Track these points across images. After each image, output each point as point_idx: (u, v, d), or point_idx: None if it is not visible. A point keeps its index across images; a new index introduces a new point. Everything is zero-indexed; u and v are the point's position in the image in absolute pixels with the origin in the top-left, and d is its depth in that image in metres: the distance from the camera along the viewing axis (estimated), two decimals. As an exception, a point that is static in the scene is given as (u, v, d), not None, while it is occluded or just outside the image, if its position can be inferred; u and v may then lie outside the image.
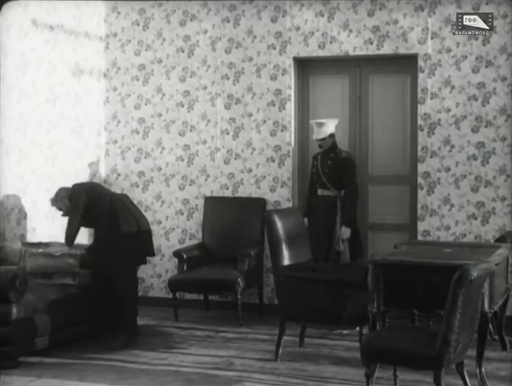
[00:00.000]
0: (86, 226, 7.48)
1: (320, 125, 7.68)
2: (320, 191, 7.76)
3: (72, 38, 8.34)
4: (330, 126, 7.69)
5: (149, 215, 8.30)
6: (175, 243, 8.59)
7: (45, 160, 7.91)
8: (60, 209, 7.25)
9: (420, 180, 7.86)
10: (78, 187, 7.36)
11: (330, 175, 7.64)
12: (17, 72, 7.53)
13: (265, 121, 8.32)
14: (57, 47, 8.10)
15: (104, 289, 7.10)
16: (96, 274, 7.14)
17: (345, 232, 7.51)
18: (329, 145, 7.69)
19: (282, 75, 8.26)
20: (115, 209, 7.15)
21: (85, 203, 7.10)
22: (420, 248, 6.60)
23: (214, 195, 8.49)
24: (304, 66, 8.38)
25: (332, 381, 6.01)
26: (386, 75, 8.16)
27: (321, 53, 8.14)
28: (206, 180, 8.52)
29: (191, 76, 8.58)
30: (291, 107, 8.26)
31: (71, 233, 7.14)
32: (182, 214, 8.63)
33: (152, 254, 7.43)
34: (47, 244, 7.12)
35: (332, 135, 7.69)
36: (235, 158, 8.43)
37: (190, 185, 8.60)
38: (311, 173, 7.89)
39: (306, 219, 7.69)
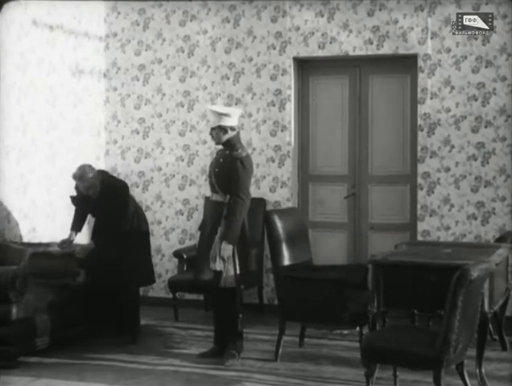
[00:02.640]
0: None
1: (214, 113, 6.51)
2: (210, 195, 6.69)
3: (72, 38, 8.34)
4: (225, 117, 6.42)
5: (149, 216, 8.30)
6: (175, 243, 8.59)
7: (45, 160, 7.91)
8: (87, 189, 6.89)
9: (420, 180, 7.86)
10: (123, 185, 7.18)
11: (219, 176, 6.45)
12: (17, 72, 7.54)
13: (265, 121, 8.32)
14: (57, 47, 8.11)
15: (108, 287, 7.10)
16: (111, 271, 6.99)
17: (225, 249, 6.31)
18: (222, 140, 6.46)
19: (282, 75, 8.26)
20: (138, 207, 7.40)
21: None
22: (420, 249, 6.60)
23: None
24: (304, 66, 8.38)
25: (332, 381, 6.01)
26: (385, 76, 8.16)
27: (321, 53, 8.14)
28: (206, 180, 8.50)
29: (191, 76, 8.58)
30: (290, 107, 8.26)
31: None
32: (182, 214, 8.64)
33: None
34: (47, 245, 7.11)
35: (223, 129, 6.42)
36: (235, 158, 8.43)
37: (190, 185, 8.60)
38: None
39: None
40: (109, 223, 6.94)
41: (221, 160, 6.48)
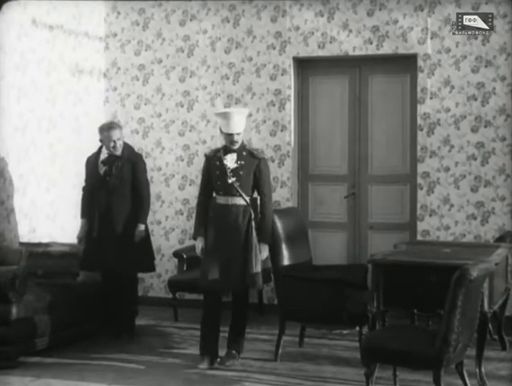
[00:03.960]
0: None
1: (239, 114, 6.35)
2: (222, 200, 6.32)
3: (72, 38, 8.34)
4: (245, 118, 6.45)
5: (149, 216, 8.29)
6: (174, 243, 8.59)
7: (44, 160, 7.91)
8: (115, 141, 6.98)
9: (420, 180, 7.86)
10: (143, 158, 7.39)
11: (245, 179, 6.28)
12: (16, 72, 7.53)
13: (264, 121, 8.32)
14: (57, 46, 8.10)
15: (108, 287, 7.10)
16: (119, 271, 7.03)
17: (265, 250, 6.31)
18: (241, 142, 6.40)
19: (282, 75, 8.26)
20: None
21: None
22: (420, 248, 6.61)
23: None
24: (304, 66, 8.38)
25: (332, 381, 6.01)
26: (385, 75, 8.16)
27: (321, 53, 8.14)
28: (206, 180, 8.51)
29: (190, 76, 8.58)
30: (290, 107, 8.26)
31: (149, 206, 7.23)
32: (182, 214, 8.64)
33: None
34: (46, 245, 7.11)
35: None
36: (235, 158, 8.42)
37: (190, 185, 8.60)
38: (209, 177, 6.42)
39: (201, 241, 6.41)
40: (141, 193, 7.10)
41: (243, 162, 6.28)
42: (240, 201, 6.27)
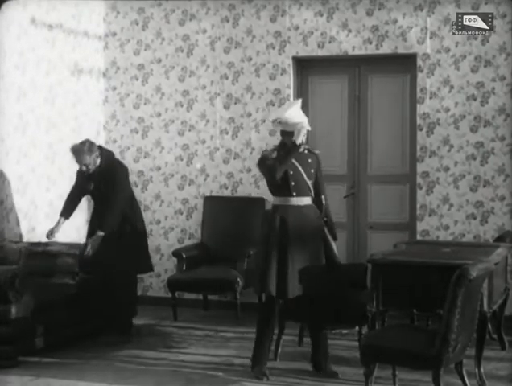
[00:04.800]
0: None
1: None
2: (295, 201, 5.94)
3: (72, 37, 8.34)
4: None
5: (148, 215, 8.31)
6: (174, 242, 8.58)
7: (44, 160, 7.91)
8: (86, 165, 6.92)
9: (419, 180, 7.86)
10: (125, 168, 7.22)
11: (314, 177, 6.07)
12: (16, 71, 7.54)
13: (264, 121, 8.31)
14: (56, 46, 8.10)
15: (107, 287, 7.10)
16: (110, 270, 7.00)
17: (334, 247, 6.21)
18: None
19: (282, 74, 8.26)
20: (137, 203, 7.41)
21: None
22: (419, 248, 6.61)
23: (213, 194, 8.49)
24: (303, 65, 8.38)
25: (331, 380, 6.01)
26: (384, 75, 8.16)
27: (320, 53, 8.14)
28: (205, 180, 8.52)
29: (190, 76, 8.58)
30: (290, 106, 8.24)
31: (116, 217, 6.93)
32: (181, 213, 8.63)
33: None
34: (46, 244, 7.12)
35: None
36: (234, 158, 8.43)
37: (189, 185, 8.60)
38: (276, 177, 5.88)
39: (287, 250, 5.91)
40: (109, 202, 6.93)
41: (310, 160, 6.02)
42: (308, 201, 6.00)
